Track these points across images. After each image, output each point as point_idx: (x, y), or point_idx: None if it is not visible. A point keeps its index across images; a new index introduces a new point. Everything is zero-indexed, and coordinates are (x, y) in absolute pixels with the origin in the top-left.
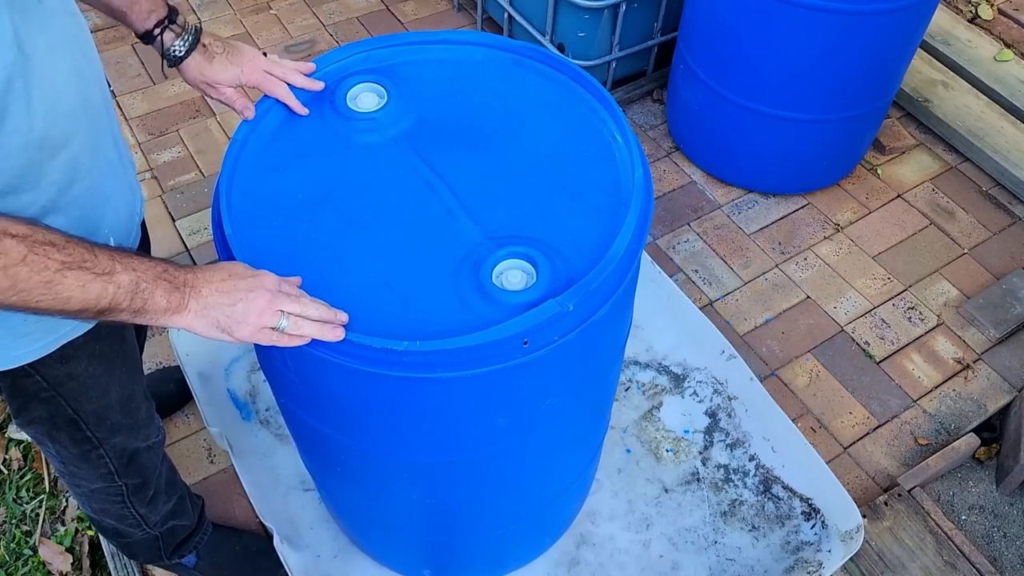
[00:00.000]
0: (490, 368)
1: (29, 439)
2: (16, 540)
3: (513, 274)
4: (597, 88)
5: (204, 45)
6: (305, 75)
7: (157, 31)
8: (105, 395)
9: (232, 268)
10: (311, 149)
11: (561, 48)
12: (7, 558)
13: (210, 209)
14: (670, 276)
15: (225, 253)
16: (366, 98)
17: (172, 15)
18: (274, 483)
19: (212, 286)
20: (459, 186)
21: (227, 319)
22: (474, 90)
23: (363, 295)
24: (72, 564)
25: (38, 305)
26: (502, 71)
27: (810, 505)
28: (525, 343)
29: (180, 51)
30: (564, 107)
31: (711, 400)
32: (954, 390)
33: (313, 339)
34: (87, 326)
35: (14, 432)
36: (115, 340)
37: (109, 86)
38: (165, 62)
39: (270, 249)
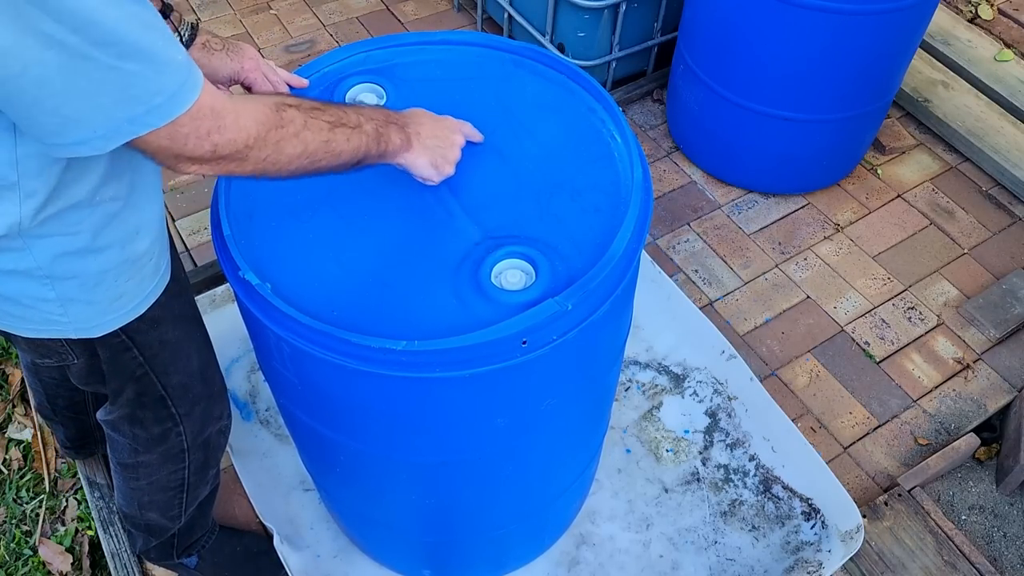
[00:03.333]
0: (489, 368)
1: (29, 439)
2: (16, 540)
3: (512, 274)
4: (596, 88)
5: (203, 43)
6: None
7: None
8: (188, 361)
9: (429, 113)
10: None
11: (561, 48)
12: (7, 558)
13: (209, 209)
14: (670, 276)
15: (224, 254)
16: (365, 98)
17: (165, 10)
18: (274, 483)
19: (427, 128)
20: (458, 186)
21: (441, 159)
22: (473, 90)
23: (362, 295)
24: (72, 564)
25: (318, 166)
26: (501, 71)
27: (810, 505)
28: (524, 343)
29: None
30: (563, 107)
31: (711, 400)
32: (954, 390)
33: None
34: (167, 279)
35: (14, 432)
36: (187, 299)
37: None
38: None
39: (269, 249)
